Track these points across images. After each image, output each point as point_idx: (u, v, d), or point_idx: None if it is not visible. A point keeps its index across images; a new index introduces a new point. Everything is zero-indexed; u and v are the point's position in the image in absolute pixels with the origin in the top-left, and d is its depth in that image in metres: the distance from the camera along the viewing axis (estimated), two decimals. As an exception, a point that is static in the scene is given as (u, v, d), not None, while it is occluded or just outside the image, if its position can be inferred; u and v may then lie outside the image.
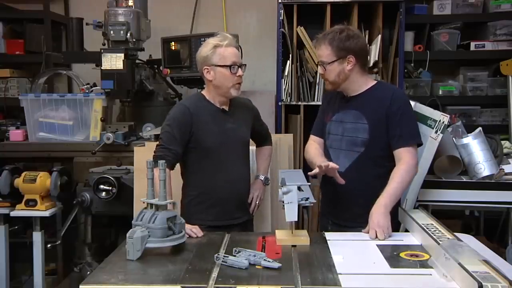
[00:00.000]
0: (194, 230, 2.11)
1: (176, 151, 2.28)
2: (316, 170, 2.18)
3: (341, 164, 2.28)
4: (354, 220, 2.26)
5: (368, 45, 2.72)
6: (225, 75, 2.31)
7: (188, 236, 2.05)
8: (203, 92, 2.44)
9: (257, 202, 2.55)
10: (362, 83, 2.30)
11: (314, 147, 2.44)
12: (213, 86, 2.35)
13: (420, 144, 2.29)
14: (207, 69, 2.32)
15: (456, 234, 1.95)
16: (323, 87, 3.65)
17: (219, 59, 2.30)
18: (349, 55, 2.24)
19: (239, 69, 2.33)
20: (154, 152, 2.30)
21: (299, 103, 3.66)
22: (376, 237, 2.04)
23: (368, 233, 2.08)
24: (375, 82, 2.35)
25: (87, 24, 3.63)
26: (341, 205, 2.32)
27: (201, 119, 2.32)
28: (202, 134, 2.32)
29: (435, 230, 1.97)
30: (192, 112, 2.32)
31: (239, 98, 2.49)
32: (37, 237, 3.03)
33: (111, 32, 3.35)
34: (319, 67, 2.32)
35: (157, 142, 2.35)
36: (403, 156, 2.20)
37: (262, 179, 2.61)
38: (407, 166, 2.18)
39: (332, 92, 2.48)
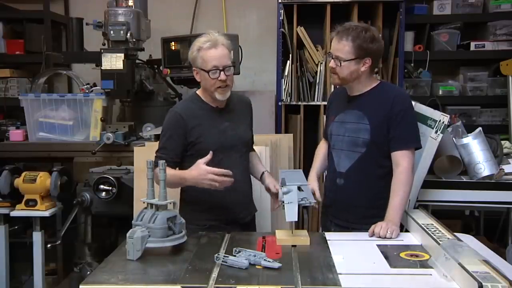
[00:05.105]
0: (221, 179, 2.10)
1: (173, 160, 2.24)
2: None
3: (342, 165, 2.29)
4: (357, 221, 2.25)
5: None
6: (206, 79, 2.23)
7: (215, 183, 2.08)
8: (198, 91, 2.39)
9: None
10: (367, 83, 2.28)
11: (321, 150, 2.48)
12: (202, 87, 2.32)
13: (418, 147, 2.27)
14: (195, 70, 2.28)
15: (456, 234, 1.96)
16: (323, 87, 3.66)
17: (201, 63, 2.22)
18: (367, 57, 2.19)
19: (222, 72, 2.19)
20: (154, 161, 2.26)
21: (299, 103, 3.67)
22: (378, 235, 2.04)
23: (372, 235, 2.07)
24: (378, 82, 2.34)
25: (87, 24, 3.62)
26: (343, 205, 2.31)
27: (196, 122, 2.27)
28: (198, 137, 2.26)
29: (435, 230, 1.97)
30: (185, 117, 2.26)
31: (238, 95, 2.43)
32: (37, 237, 3.03)
33: (111, 32, 3.35)
34: (331, 60, 2.22)
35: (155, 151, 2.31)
36: (400, 160, 2.18)
37: (269, 171, 2.51)
38: (406, 175, 2.16)
39: (334, 95, 2.47)
